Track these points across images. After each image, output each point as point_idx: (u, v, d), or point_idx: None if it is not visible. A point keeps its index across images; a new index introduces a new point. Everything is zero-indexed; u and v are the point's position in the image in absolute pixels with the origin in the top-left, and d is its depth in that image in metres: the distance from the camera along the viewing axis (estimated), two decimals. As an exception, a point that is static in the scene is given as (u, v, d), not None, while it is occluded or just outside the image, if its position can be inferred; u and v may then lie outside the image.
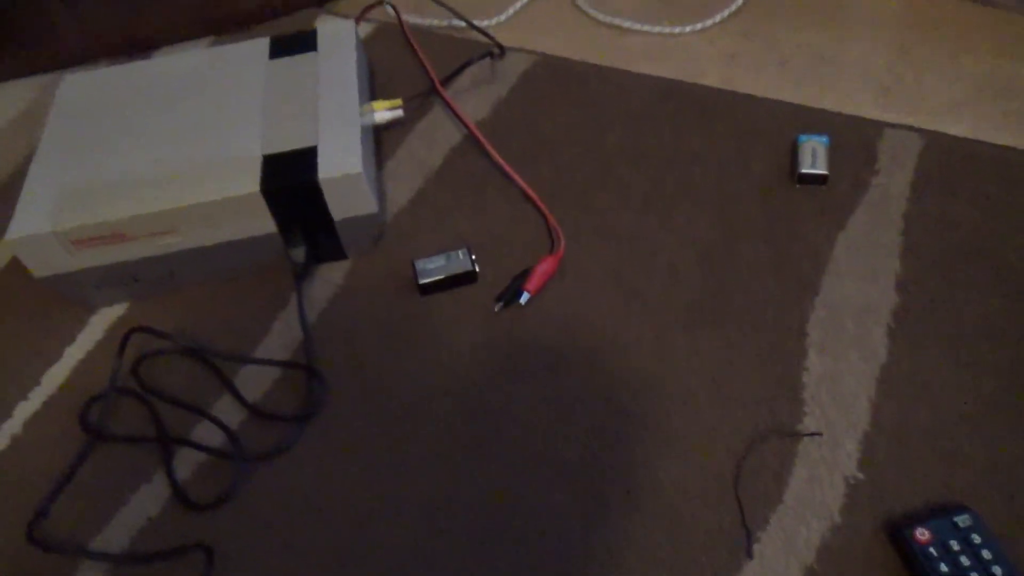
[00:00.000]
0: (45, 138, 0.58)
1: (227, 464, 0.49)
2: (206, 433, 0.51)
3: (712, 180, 0.60)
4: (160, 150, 0.56)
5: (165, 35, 0.79)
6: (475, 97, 0.69)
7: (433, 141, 0.66)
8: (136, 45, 0.79)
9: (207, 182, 0.53)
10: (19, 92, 0.76)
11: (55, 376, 0.55)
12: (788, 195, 0.58)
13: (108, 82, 0.62)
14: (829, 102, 0.64)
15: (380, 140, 0.66)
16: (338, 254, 0.58)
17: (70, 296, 0.56)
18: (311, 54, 0.62)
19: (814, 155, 0.58)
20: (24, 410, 0.53)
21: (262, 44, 0.64)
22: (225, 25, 0.80)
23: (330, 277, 0.58)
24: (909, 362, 0.48)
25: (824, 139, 0.59)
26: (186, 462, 0.50)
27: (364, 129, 0.60)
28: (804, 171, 0.58)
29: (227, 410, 0.51)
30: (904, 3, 0.71)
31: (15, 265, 0.61)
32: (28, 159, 0.69)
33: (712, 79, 0.68)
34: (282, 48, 0.63)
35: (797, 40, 0.70)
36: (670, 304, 0.53)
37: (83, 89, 0.62)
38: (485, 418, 0.49)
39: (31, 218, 0.53)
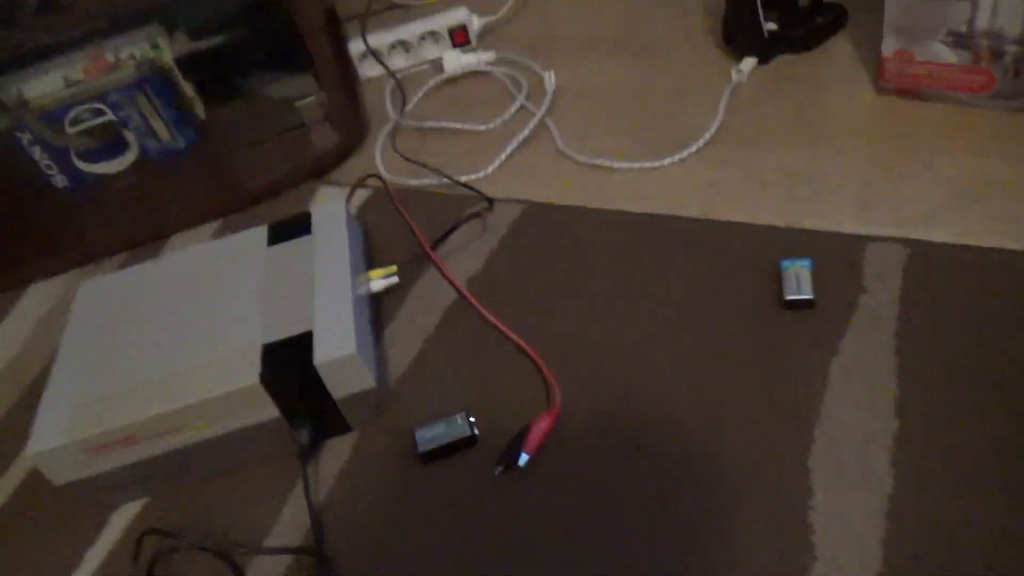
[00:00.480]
0: (61, 349, 0.62)
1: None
2: (222, 631, 0.51)
3: (701, 314, 0.60)
4: (167, 350, 0.59)
5: (181, 223, 0.84)
6: (467, 253, 0.71)
7: (429, 303, 0.68)
8: (155, 235, 0.84)
9: (209, 378, 0.56)
10: (46, 292, 0.81)
11: (78, 582, 0.56)
12: (777, 323, 0.58)
13: (120, 286, 0.66)
14: (810, 222, 0.65)
15: (379, 307, 0.69)
16: (342, 428, 0.60)
17: (89, 499, 0.58)
18: (306, 238, 0.66)
19: (798, 280, 0.59)
20: (49, 621, 0.54)
21: (260, 233, 0.67)
22: (233, 206, 0.85)
23: (337, 451, 0.59)
24: (917, 493, 0.47)
25: (807, 263, 0.60)
26: (204, 664, 0.50)
27: (361, 301, 0.62)
28: (790, 298, 0.58)
29: (241, 605, 0.52)
30: (874, 113, 0.73)
31: (35, 475, 0.63)
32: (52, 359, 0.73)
33: (693, 210, 0.69)
34: (279, 234, 0.67)
35: (773, 163, 0.71)
36: (669, 452, 0.53)
37: (97, 295, 0.66)
38: (493, 592, 0.49)
39: (49, 431, 0.55)
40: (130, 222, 0.85)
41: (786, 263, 0.60)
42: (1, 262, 0.84)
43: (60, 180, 0.90)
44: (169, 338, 0.60)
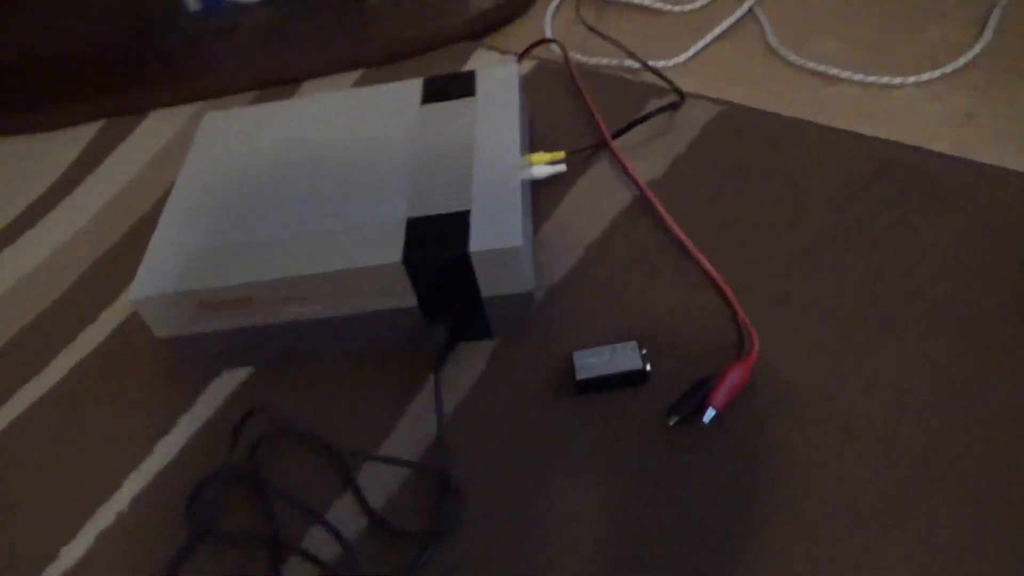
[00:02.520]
0: (178, 185, 0.54)
1: (341, 584, 0.42)
2: (322, 539, 0.44)
3: (948, 285, 0.48)
4: (298, 208, 0.50)
5: (316, 68, 0.75)
6: (648, 151, 0.59)
7: (597, 203, 0.57)
8: (286, 78, 0.75)
9: (344, 247, 0.47)
10: (167, 120, 0.74)
11: (169, 447, 0.49)
12: (1053, 306, 0.45)
13: (249, 123, 0.57)
14: (1103, 182, 0.51)
15: (537, 198, 0.58)
16: (483, 333, 0.50)
17: (190, 359, 0.51)
18: (468, 100, 0.55)
19: (1092, 255, 0.45)
20: (133, 483, 0.48)
21: (414, 87, 0.57)
22: (375, 59, 0.74)
23: (472, 359, 0.50)
24: None
25: (1106, 234, 0.46)
26: (297, 572, 0.43)
27: (524, 187, 0.52)
28: (1079, 276, 0.45)
29: (346, 515, 0.44)
30: None
31: (133, 321, 0.56)
32: (169, 191, 0.66)
33: (942, 144, 0.55)
34: (437, 92, 0.56)
35: (1054, 100, 0.56)
36: (894, 448, 0.42)
37: (224, 130, 0.57)
38: (642, 571, 0.39)
39: (157, 277, 0.48)
40: (262, 59, 0.76)
41: (1076, 230, 0.47)
42: (123, 83, 0.77)
43: (193, 3, 0.81)
44: (302, 193, 0.51)
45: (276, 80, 0.75)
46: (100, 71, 0.79)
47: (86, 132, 0.75)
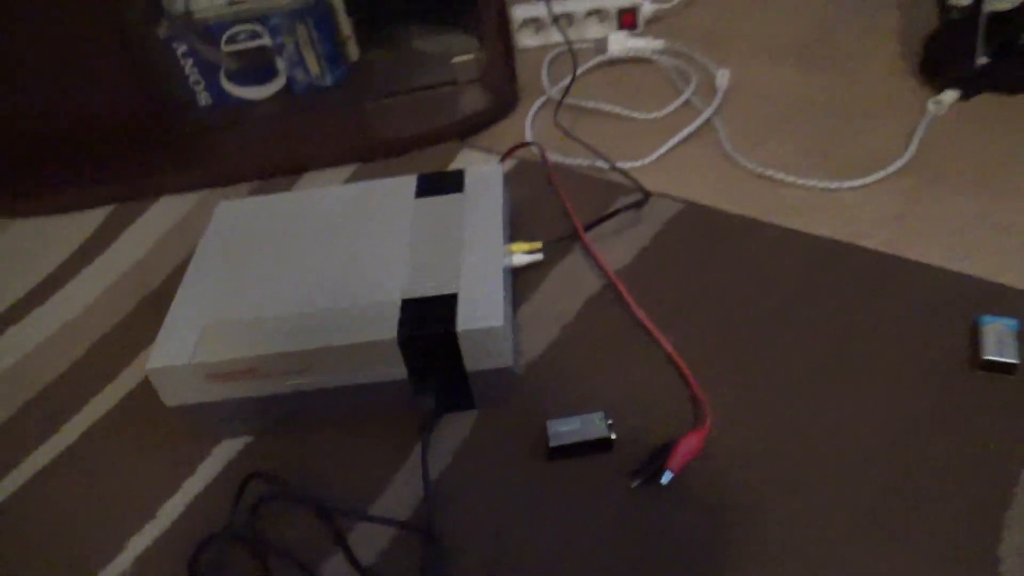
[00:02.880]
0: (193, 266, 0.59)
1: (333, 634, 0.45)
2: (315, 593, 0.47)
3: (880, 358, 0.54)
4: (303, 288, 0.56)
5: (317, 160, 0.82)
6: (616, 243, 0.66)
7: (571, 289, 0.63)
8: (290, 168, 0.82)
9: (345, 324, 0.52)
10: (176, 205, 0.80)
11: (171, 510, 0.53)
12: (969, 385, 0.51)
13: (260, 212, 0.63)
14: (1010, 277, 0.58)
15: (517, 283, 0.64)
16: (467, 404, 0.55)
17: (195, 426, 0.56)
18: (458, 195, 0.62)
19: (1000, 340, 0.52)
20: (136, 545, 0.52)
21: (409, 182, 0.64)
22: (370, 154, 0.82)
23: (457, 428, 0.55)
24: None
25: (1012, 323, 0.53)
26: (291, 624, 0.46)
27: (504, 274, 0.58)
28: (989, 358, 0.51)
29: (339, 571, 0.48)
30: (1096, 172, 0.65)
31: (142, 390, 0.61)
32: (177, 270, 0.71)
33: (876, 242, 0.63)
34: (429, 187, 0.63)
35: (970, 207, 0.64)
36: (835, 507, 0.47)
37: (236, 216, 0.63)
38: (617, 617, 0.44)
39: (173, 348, 0.53)
40: (267, 150, 0.83)
41: (986, 319, 0.53)
42: (136, 170, 0.83)
43: (204, 98, 0.89)
44: (307, 274, 0.57)
45: (278, 170, 0.82)
46: (112, 157, 0.86)
47: (96, 215, 0.81)
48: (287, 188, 0.80)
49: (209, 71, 0.87)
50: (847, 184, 0.68)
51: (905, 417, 0.50)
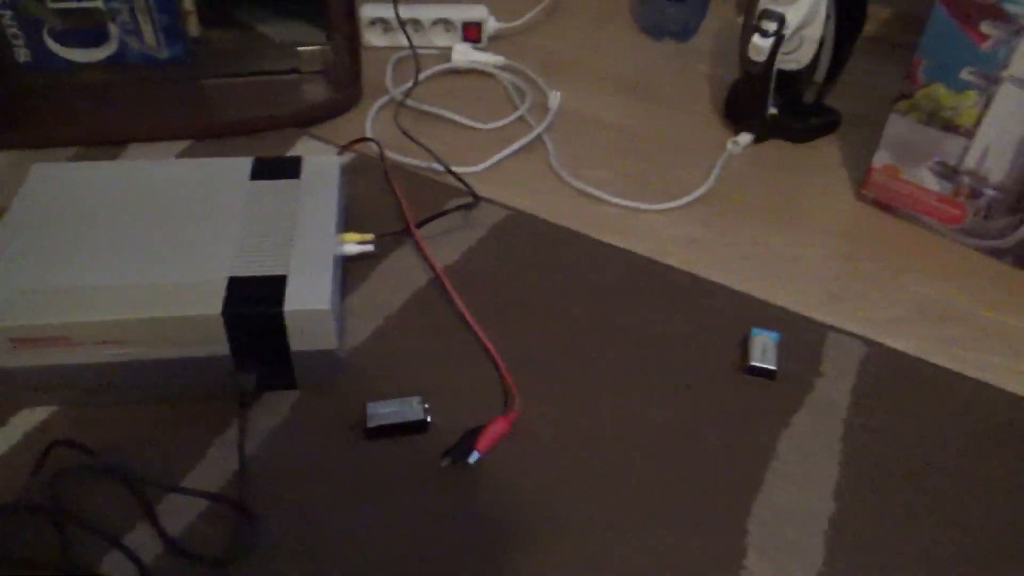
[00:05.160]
0: (2, 229, 0.56)
1: (134, 603, 0.45)
2: (119, 565, 0.47)
3: (668, 360, 0.61)
4: (123, 259, 0.55)
5: (145, 133, 0.79)
6: (445, 242, 0.70)
7: (398, 281, 0.66)
8: (115, 138, 0.79)
9: (167, 297, 0.52)
10: (-20, 166, 0.75)
11: (-41, 478, 0.50)
12: (738, 386, 0.60)
13: (81, 178, 0.61)
14: (782, 299, 0.67)
15: (348, 272, 0.66)
16: (289, 384, 0.57)
17: (-6, 393, 0.53)
18: (293, 182, 0.63)
19: (765, 350, 0.61)
20: (-85, 513, 0.49)
21: (244, 164, 0.64)
22: (204, 132, 0.80)
23: (277, 407, 0.56)
24: (844, 574, 0.49)
25: (775, 335, 0.62)
26: (88, 595, 0.46)
27: (336, 260, 0.60)
28: (754, 364, 0.60)
29: (145, 542, 0.48)
30: (851, 216, 0.77)
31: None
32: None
33: (674, 260, 0.71)
34: (265, 171, 0.64)
35: (755, 236, 0.74)
36: (618, 490, 0.53)
37: (52, 182, 0.61)
38: (418, 583, 0.47)
39: (-28, 309, 0.50)
40: (92, 117, 0.80)
41: (756, 331, 0.62)
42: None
43: (23, 54, 0.83)
44: (131, 246, 0.56)
45: (102, 139, 0.78)
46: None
47: None
48: (111, 159, 0.77)
49: (31, 26, 0.82)
50: (655, 207, 0.76)
51: (682, 413, 0.58)
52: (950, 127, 0.70)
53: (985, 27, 0.65)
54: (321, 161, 0.66)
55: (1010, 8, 0.63)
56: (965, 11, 0.65)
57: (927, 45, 0.68)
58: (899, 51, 1.01)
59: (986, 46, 0.65)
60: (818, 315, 0.66)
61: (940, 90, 0.69)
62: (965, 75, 0.67)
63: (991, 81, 0.66)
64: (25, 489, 0.49)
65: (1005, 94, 0.66)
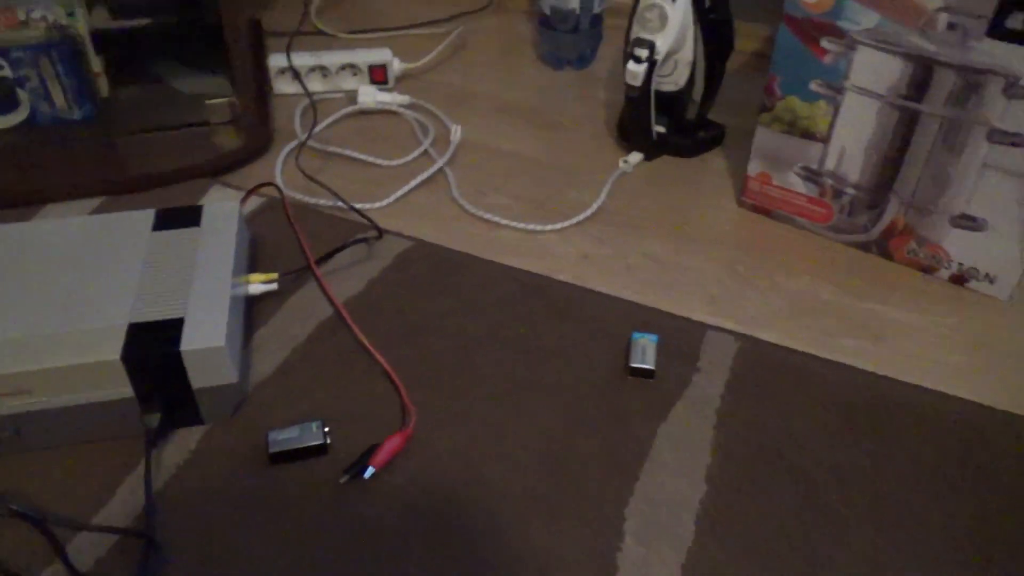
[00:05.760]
0: (-90, 292, 0.59)
1: (45, 637, 0.48)
2: (28, 602, 0.50)
3: (558, 370, 0.66)
4: (28, 313, 0.58)
5: (60, 192, 0.82)
6: (350, 275, 0.74)
7: (304, 315, 0.70)
8: (30, 199, 0.82)
9: (69, 346, 0.55)
10: None
11: None
12: (621, 386, 0.64)
13: (-14, 239, 0.64)
14: (665, 304, 0.72)
15: (253, 311, 0.70)
16: (195, 420, 0.60)
17: (-94, 451, 0.55)
18: (194, 229, 0.67)
19: (644, 351, 0.65)
20: None
21: (147, 216, 0.68)
22: (118, 188, 0.84)
23: (184, 443, 0.59)
24: (712, 552, 0.53)
25: (654, 338, 0.67)
26: (1, 633, 0.48)
27: (236, 300, 0.63)
28: (634, 365, 0.65)
29: (55, 578, 0.51)
30: (733, 223, 0.83)
31: None
32: None
33: (566, 275, 0.75)
34: (167, 221, 0.67)
35: (641, 247, 0.79)
36: (508, 490, 0.57)
37: (-41, 245, 0.64)
38: (317, 594, 0.50)
39: None
40: (5, 181, 0.82)
41: (637, 335, 0.67)
42: None
43: (-65, 122, 0.86)
44: (34, 300, 0.59)
45: (16, 200, 0.81)
46: None
47: None
48: (24, 221, 0.80)
49: (-59, 98, 0.85)
50: (549, 227, 0.81)
51: (571, 415, 0.62)
52: (808, 134, 0.76)
53: (825, 43, 0.71)
54: (221, 207, 0.69)
55: (844, 25, 0.69)
56: (806, 30, 0.72)
57: (778, 62, 0.75)
58: (779, 65, 1.08)
59: (828, 60, 0.72)
60: (699, 316, 0.71)
61: (795, 102, 0.76)
62: (814, 87, 0.74)
63: (836, 91, 0.73)
64: (-63, 539, 0.52)
65: (850, 101, 0.72)
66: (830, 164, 0.76)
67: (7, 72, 0.85)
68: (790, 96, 0.76)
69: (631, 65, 0.83)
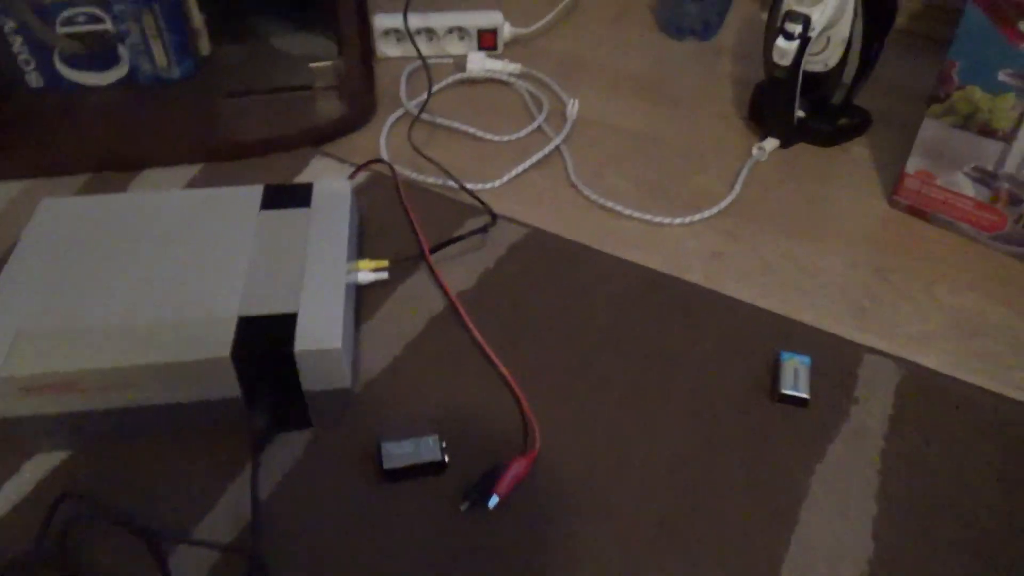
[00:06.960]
0: (8, 269, 0.56)
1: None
2: (130, 619, 0.46)
3: (692, 385, 0.59)
4: (131, 299, 0.54)
5: (158, 157, 0.78)
6: (460, 266, 0.68)
7: (414, 307, 0.64)
8: (128, 163, 0.78)
9: (175, 340, 0.51)
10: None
11: (-27, 529, 0.50)
12: (767, 414, 0.57)
13: (88, 213, 0.60)
14: (809, 316, 0.65)
15: (360, 300, 0.65)
16: (303, 423, 0.56)
17: (4, 441, 0.52)
18: (304, 210, 0.62)
19: (796, 376, 0.58)
20: (-69, 566, 0.48)
21: (255, 192, 0.63)
22: (217, 154, 0.79)
23: (290, 447, 0.55)
24: (882, 619, 0.47)
25: (806, 359, 0.59)
26: (102, 651, 0.45)
27: (348, 292, 0.58)
28: (785, 392, 0.57)
29: (157, 594, 0.47)
30: (882, 224, 0.74)
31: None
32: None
33: (696, 275, 0.68)
34: (275, 199, 0.62)
35: (780, 247, 0.71)
36: (640, 520, 0.51)
37: (60, 216, 0.60)
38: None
39: (-20, 358, 0.50)
40: (103, 142, 0.79)
41: (786, 355, 0.60)
42: (-53, 150, 0.77)
43: (35, 79, 0.83)
44: (137, 284, 0.55)
45: (114, 165, 0.78)
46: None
47: (-100, 199, 0.74)
48: (122, 185, 0.76)
49: (42, 51, 0.81)
50: (677, 220, 0.73)
51: (709, 442, 0.55)
52: (987, 131, 0.67)
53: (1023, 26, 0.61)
54: (332, 187, 0.64)
55: (1051, 6, 0.59)
56: (1001, 10, 0.62)
57: (961, 46, 0.65)
58: (930, 45, 0.97)
59: (1025, 47, 0.62)
60: (849, 333, 0.63)
61: (977, 92, 0.66)
62: (1003, 77, 0.64)
63: (1031, 83, 0.63)
64: (36, 541, 0.48)
65: (1047, 97, 0.63)
66: (1010, 167, 0.67)
67: (108, 26, 0.80)
68: (971, 86, 0.66)
69: (781, 42, 0.74)
